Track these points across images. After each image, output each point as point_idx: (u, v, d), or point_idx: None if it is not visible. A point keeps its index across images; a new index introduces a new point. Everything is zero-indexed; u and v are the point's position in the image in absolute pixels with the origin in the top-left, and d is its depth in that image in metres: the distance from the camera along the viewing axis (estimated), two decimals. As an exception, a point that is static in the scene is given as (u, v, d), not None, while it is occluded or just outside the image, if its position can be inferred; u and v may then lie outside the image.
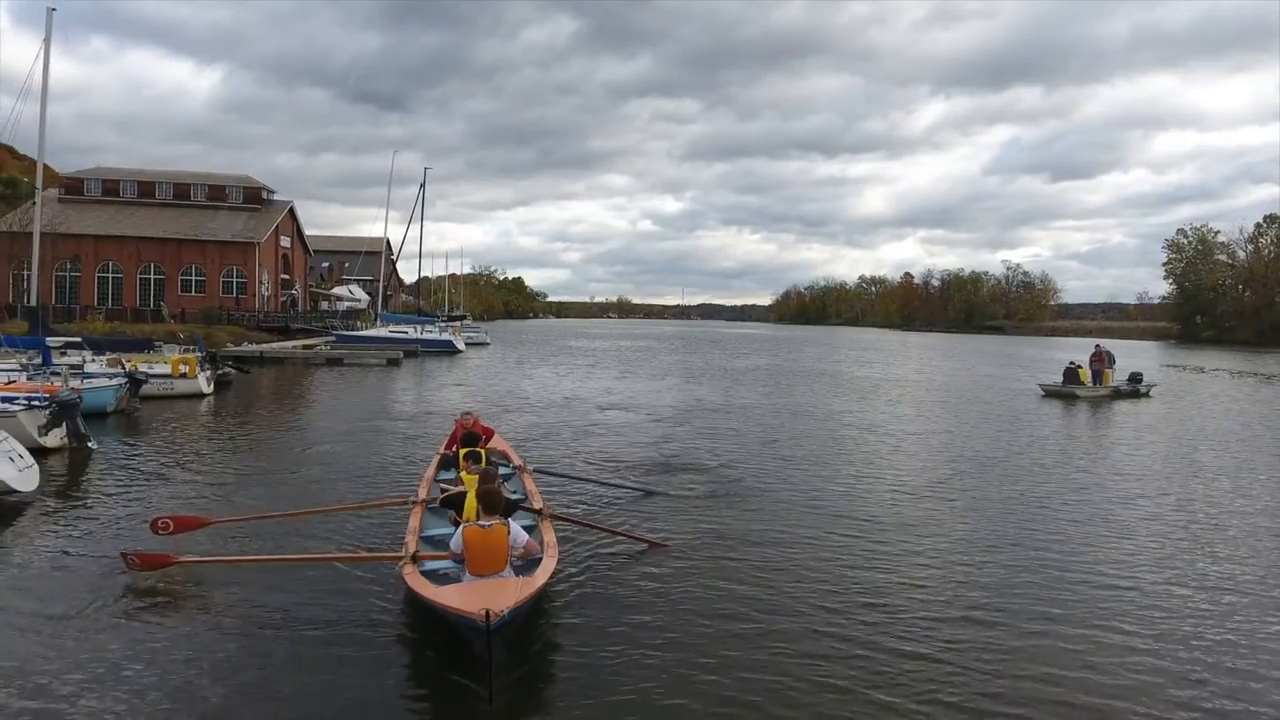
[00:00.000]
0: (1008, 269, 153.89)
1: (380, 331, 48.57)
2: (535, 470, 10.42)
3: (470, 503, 7.13)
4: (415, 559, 6.74)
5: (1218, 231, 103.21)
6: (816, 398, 26.34)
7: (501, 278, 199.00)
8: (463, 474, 8.52)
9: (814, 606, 7.13)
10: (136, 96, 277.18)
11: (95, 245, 49.54)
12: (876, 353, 59.20)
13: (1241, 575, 8.34)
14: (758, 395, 26.73)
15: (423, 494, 8.89)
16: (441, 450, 11.18)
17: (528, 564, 6.61)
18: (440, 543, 7.46)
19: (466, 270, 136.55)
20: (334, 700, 5.45)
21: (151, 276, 51.26)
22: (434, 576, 6.49)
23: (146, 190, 55.65)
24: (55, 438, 13.42)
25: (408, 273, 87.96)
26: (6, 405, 12.72)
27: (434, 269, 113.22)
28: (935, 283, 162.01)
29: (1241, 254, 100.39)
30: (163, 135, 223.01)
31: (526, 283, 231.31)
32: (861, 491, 12.03)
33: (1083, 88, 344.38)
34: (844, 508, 10.86)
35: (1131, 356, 47.27)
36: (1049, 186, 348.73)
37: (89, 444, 13.57)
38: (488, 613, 5.04)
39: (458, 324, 58.18)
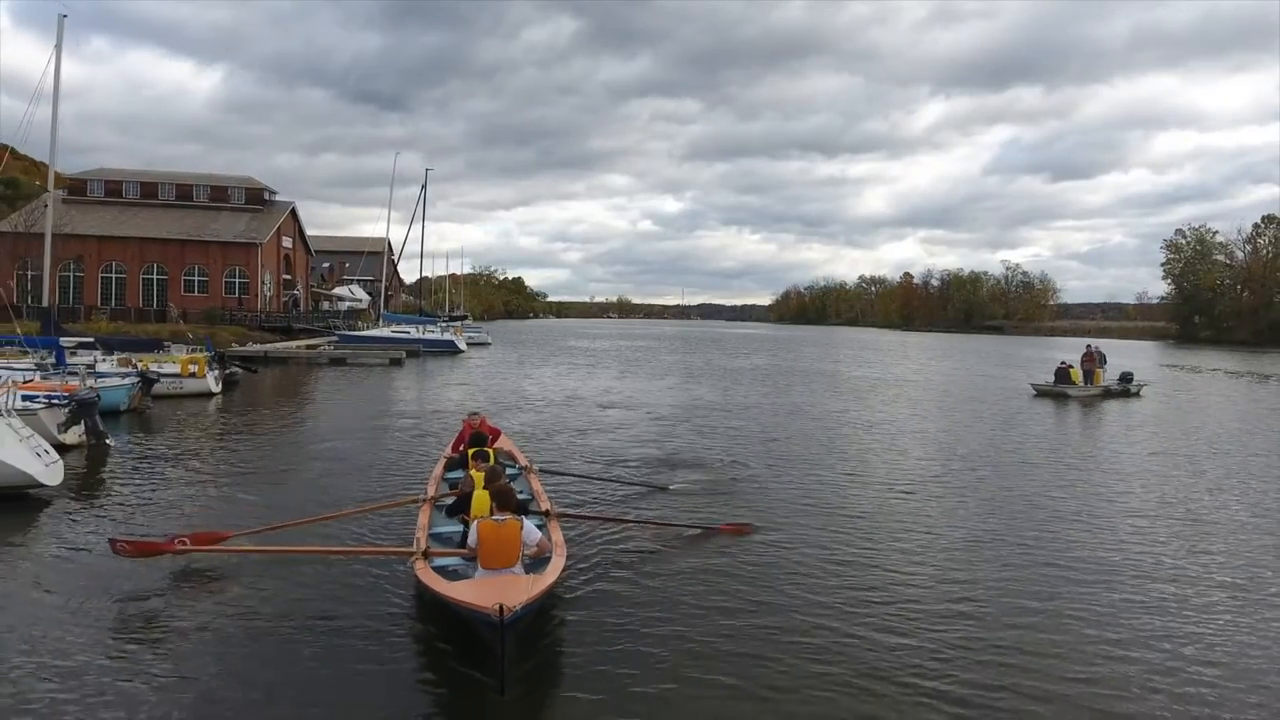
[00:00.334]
0: (1007, 269, 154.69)
1: (382, 332, 48.91)
2: (541, 470, 10.62)
3: (479, 500, 7.32)
4: (427, 555, 6.92)
5: (1216, 232, 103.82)
6: (814, 397, 26.72)
7: (501, 278, 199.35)
8: (471, 472, 8.66)
9: (814, 601, 7.41)
10: (137, 96, 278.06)
11: (98, 246, 49.86)
12: (875, 353, 59.54)
13: (1218, 566, 8.71)
14: (756, 394, 27.10)
15: (431, 492, 9.14)
16: (449, 449, 11.48)
17: (537, 562, 6.75)
18: (448, 540, 7.66)
19: (466, 270, 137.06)
20: (348, 691, 5.62)
21: (155, 277, 51.60)
22: (444, 572, 6.63)
23: (149, 191, 56.02)
24: (74, 435, 13.85)
25: (408, 273, 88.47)
26: (28, 403, 13.11)
27: (434, 269, 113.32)
28: (935, 283, 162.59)
29: (1239, 254, 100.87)
30: (163, 135, 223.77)
31: (526, 283, 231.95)
32: (855, 488, 12.42)
33: (1083, 88, 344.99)
34: (840, 504, 11.24)
35: (1129, 356, 47.60)
36: (1049, 186, 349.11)
37: (107, 441, 14.01)
38: (501, 607, 5.17)
39: (459, 324, 58.53)
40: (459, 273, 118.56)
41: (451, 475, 10.00)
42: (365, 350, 41.36)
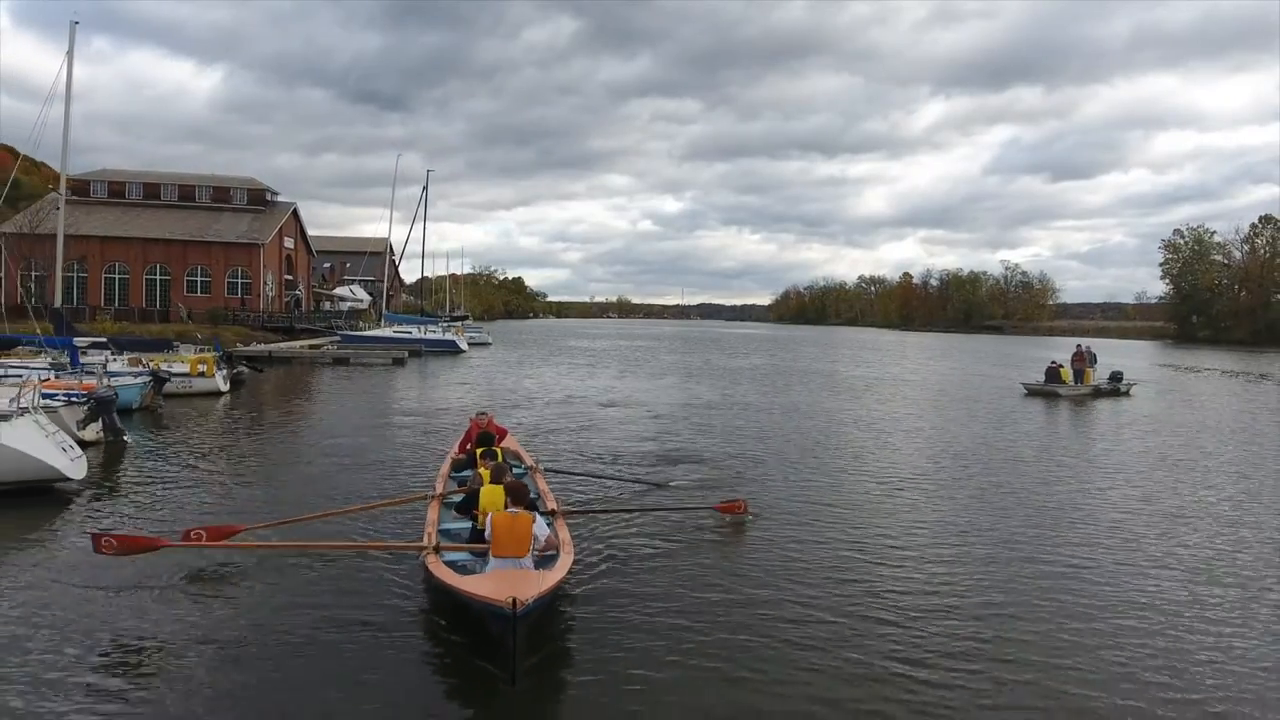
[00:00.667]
0: (1006, 269, 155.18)
1: (385, 331, 49.31)
2: (546, 470, 10.88)
3: (492, 495, 7.50)
4: (438, 550, 7.13)
5: (1213, 232, 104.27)
6: (811, 396, 27.14)
7: (501, 278, 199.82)
8: (480, 470, 8.88)
9: (810, 591, 7.74)
10: (137, 96, 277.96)
11: (102, 246, 50.29)
12: (873, 353, 59.93)
13: (1192, 557, 9.12)
14: (755, 394, 27.51)
15: (439, 489, 9.44)
16: (455, 448, 11.72)
17: (545, 559, 6.94)
18: (457, 536, 7.93)
19: (466, 270, 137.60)
20: (362, 681, 5.79)
21: (158, 277, 52.04)
22: (454, 567, 6.83)
23: (152, 192, 56.50)
24: (92, 431, 14.32)
25: (408, 273, 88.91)
26: (48, 401, 13.55)
27: (434, 269, 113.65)
28: (934, 283, 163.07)
29: (1237, 254, 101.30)
30: (164, 135, 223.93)
31: (526, 283, 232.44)
32: (850, 483, 12.86)
33: (1083, 88, 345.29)
34: (836, 500, 11.65)
35: (1125, 356, 48.04)
36: (1049, 186, 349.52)
37: (124, 438, 14.48)
38: (514, 600, 5.34)
39: (460, 324, 58.98)
40: (459, 273, 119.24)
41: (459, 474, 10.22)
42: (368, 350, 41.79)
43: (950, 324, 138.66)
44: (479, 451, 9.51)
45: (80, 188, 55.09)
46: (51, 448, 10.86)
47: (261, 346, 40.23)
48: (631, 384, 30.82)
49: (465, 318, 73.71)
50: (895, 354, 59.19)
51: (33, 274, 39.36)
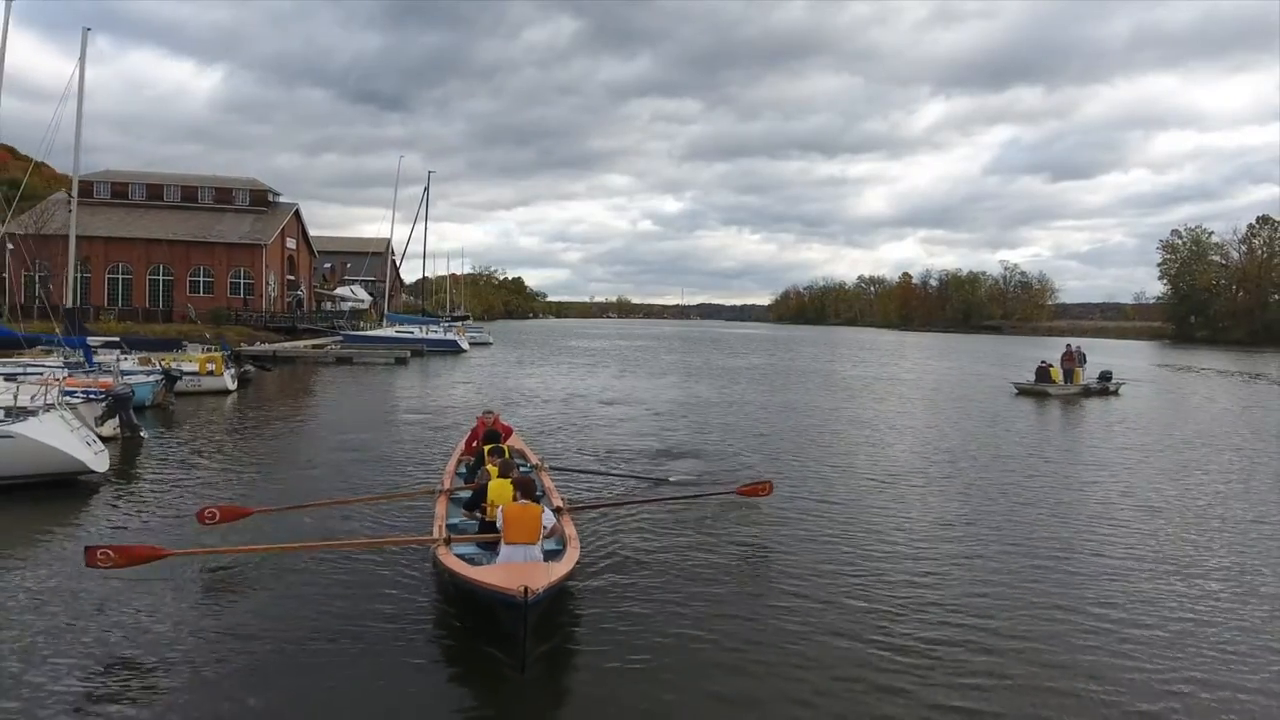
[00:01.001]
0: (1005, 269, 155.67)
1: (387, 331, 49.74)
2: (551, 468, 11.15)
3: (501, 489, 7.81)
4: (448, 542, 7.33)
5: (1211, 232, 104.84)
6: (809, 395, 27.55)
7: (501, 278, 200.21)
8: (487, 467, 9.13)
9: (807, 585, 8.05)
10: (138, 96, 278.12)
11: (105, 247, 50.58)
12: (872, 353, 60.31)
13: (1172, 549, 9.54)
14: (753, 393, 27.91)
15: (446, 484, 9.78)
16: (462, 446, 11.95)
17: (553, 553, 7.15)
18: (463, 529, 8.18)
19: (467, 270, 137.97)
20: (374, 670, 5.95)
21: (161, 278, 52.41)
22: (464, 559, 6.99)
23: (154, 193, 56.81)
24: (109, 428, 14.78)
25: (408, 273, 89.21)
26: (68, 398, 14.01)
27: (434, 269, 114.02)
28: (933, 283, 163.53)
29: (1235, 254, 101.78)
30: (164, 135, 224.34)
31: (526, 283, 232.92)
32: (844, 479, 13.29)
33: (1083, 88, 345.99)
34: (832, 496, 12.06)
35: (1122, 356, 48.44)
36: (1049, 186, 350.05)
37: (140, 434, 14.95)
38: (525, 589, 5.49)
39: (461, 324, 59.43)
40: (459, 273, 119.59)
41: (466, 471, 10.55)
42: (370, 349, 42.23)
43: (949, 324, 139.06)
44: (487, 449, 9.79)
45: (84, 188, 54.74)
46: (77, 442, 11.32)
47: (265, 346, 40.64)
48: (632, 383, 31.23)
49: (466, 318, 74.18)
50: (893, 354, 59.54)
51: (37, 274, 39.73)
